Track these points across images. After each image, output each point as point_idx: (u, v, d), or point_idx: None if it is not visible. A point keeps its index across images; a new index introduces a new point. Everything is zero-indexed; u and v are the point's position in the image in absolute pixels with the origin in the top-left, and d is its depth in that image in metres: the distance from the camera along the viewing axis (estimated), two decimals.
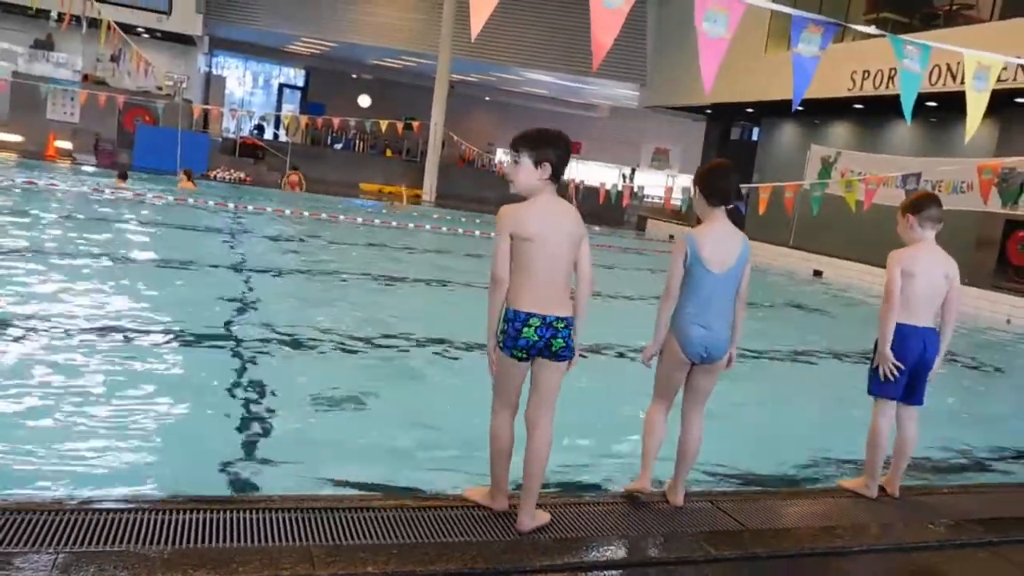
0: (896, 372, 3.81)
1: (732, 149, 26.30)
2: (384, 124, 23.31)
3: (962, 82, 5.30)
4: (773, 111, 22.49)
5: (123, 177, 17.25)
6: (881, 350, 3.84)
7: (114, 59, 23.75)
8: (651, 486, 3.48)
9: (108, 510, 2.85)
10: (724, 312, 3.37)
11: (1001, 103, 14.45)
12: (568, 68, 27.22)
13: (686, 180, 28.62)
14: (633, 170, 37.80)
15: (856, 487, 3.99)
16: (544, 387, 3.11)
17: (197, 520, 2.82)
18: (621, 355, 7.23)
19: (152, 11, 23.99)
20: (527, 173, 3.01)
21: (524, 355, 3.03)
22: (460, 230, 17.65)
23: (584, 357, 6.44)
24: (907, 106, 4.83)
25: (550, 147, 2.98)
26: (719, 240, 3.35)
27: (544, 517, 3.14)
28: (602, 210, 24.84)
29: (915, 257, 3.83)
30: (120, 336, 5.79)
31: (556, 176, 3.00)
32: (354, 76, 36.03)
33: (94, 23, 17.36)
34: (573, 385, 5.72)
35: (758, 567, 3.07)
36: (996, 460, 5.45)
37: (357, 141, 32.48)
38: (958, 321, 4.00)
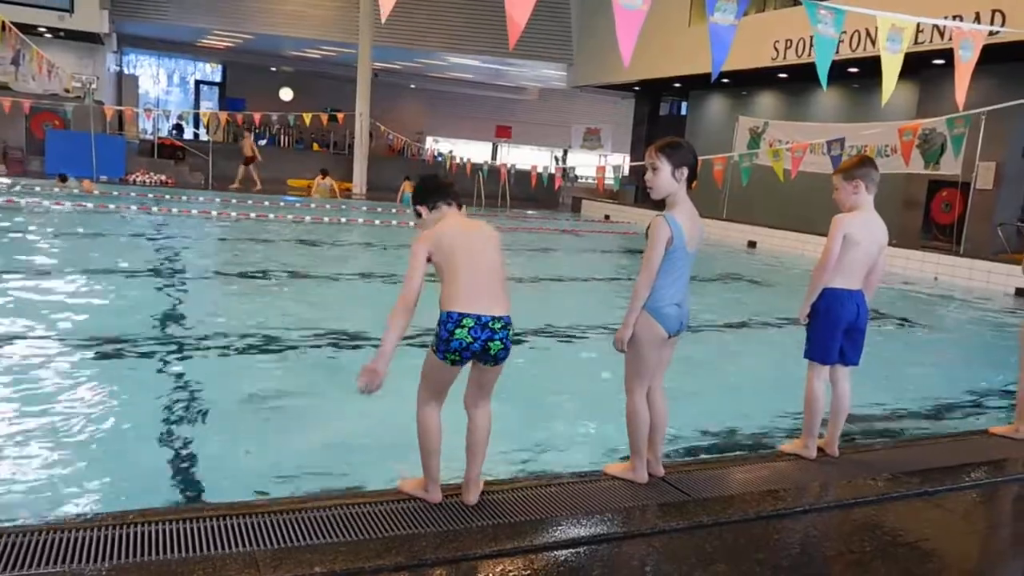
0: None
1: (662, 125, 26.55)
2: (308, 117, 22.89)
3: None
4: (700, 84, 22.74)
5: (63, 179, 17.76)
6: (803, 307, 3.89)
7: (14, 62, 22.66)
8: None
9: (38, 530, 2.72)
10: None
11: (919, 65, 14.86)
12: (490, 50, 26.97)
13: (617, 160, 28.84)
14: (565, 152, 37.96)
15: (796, 450, 4.05)
16: (485, 385, 3.13)
17: (134, 534, 2.72)
18: (569, 337, 7.27)
19: (52, 9, 22.80)
20: (425, 216, 3.19)
21: (458, 358, 2.97)
22: (394, 222, 17.49)
23: (523, 341, 6.50)
24: (822, 71, 4.90)
25: (433, 194, 3.20)
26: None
27: (481, 484, 3.23)
28: (536, 193, 24.89)
29: (860, 223, 3.84)
30: (45, 347, 5.58)
31: (449, 204, 3.17)
32: (273, 69, 35.20)
33: None
34: (518, 369, 5.75)
35: (705, 535, 3.10)
36: (928, 413, 5.64)
37: (281, 136, 31.84)
38: (888, 281, 4.08)
